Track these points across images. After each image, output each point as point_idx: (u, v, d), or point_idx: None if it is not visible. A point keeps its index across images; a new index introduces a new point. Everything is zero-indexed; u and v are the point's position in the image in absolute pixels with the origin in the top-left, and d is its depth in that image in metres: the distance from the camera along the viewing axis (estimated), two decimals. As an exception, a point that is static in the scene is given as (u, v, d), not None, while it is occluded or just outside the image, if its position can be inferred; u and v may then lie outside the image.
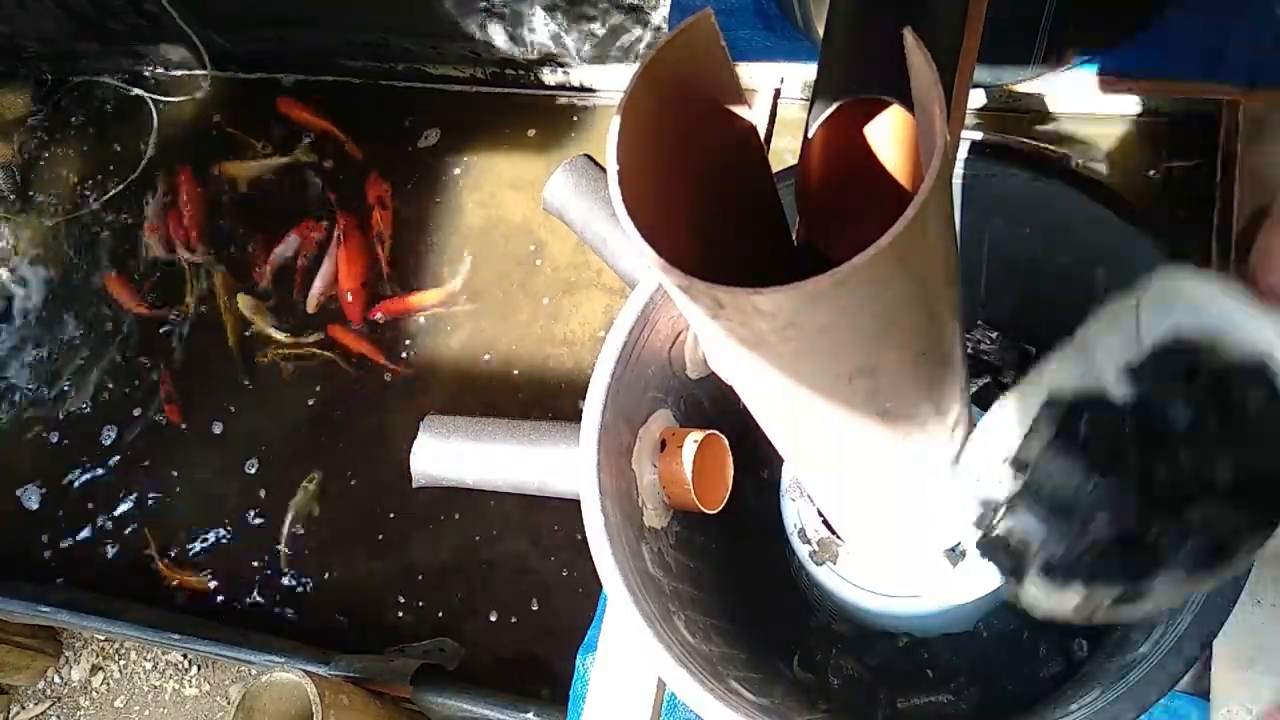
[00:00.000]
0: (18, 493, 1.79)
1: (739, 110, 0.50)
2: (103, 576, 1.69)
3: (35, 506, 1.77)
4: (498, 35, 1.63)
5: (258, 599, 1.61)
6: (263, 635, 1.49)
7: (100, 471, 1.76)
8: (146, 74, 2.01)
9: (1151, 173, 1.31)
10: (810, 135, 0.55)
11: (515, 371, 1.61)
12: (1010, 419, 0.55)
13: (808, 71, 1.25)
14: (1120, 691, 0.70)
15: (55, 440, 1.80)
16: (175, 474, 1.72)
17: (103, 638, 1.79)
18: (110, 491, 1.74)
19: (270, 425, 1.70)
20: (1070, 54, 1.16)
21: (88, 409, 1.80)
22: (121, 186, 1.94)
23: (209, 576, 1.64)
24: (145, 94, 1.99)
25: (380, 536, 1.59)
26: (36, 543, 1.75)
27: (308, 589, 1.60)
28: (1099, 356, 0.51)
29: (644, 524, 0.88)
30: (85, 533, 1.73)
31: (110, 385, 1.81)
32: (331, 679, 1.33)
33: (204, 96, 1.95)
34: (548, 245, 1.66)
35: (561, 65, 1.67)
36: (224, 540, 1.66)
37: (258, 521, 1.66)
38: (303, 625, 1.57)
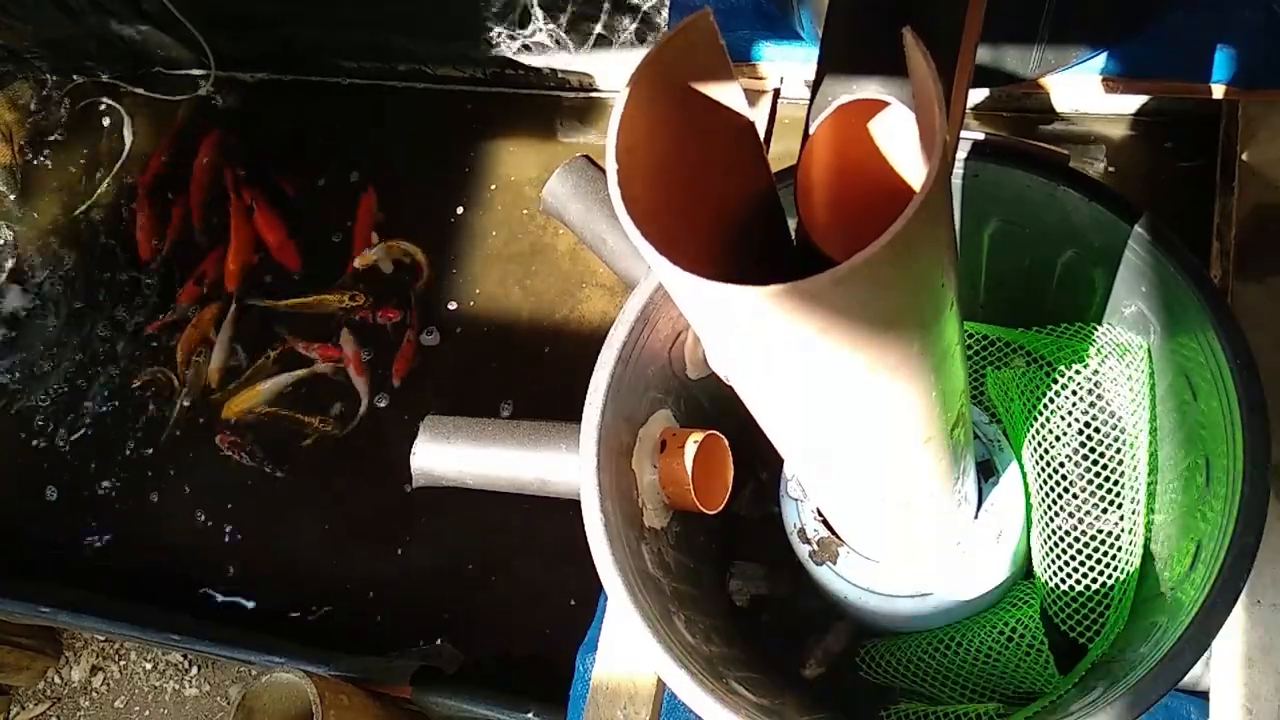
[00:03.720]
0: (19, 493, 1.79)
1: (738, 110, 0.50)
2: (102, 576, 1.69)
3: (35, 507, 1.77)
4: (498, 35, 1.63)
5: (258, 599, 1.62)
6: (263, 635, 1.49)
7: (104, 471, 1.76)
8: (147, 74, 2.01)
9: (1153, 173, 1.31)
10: (810, 135, 0.55)
11: (517, 371, 1.61)
12: None
13: (808, 71, 1.25)
14: (1120, 691, 0.70)
15: (58, 441, 1.80)
16: (176, 473, 1.72)
17: (103, 638, 1.79)
18: (112, 491, 1.74)
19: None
20: (1070, 54, 1.15)
21: (89, 410, 1.80)
22: (120, 187, 1.94)
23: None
24: (147, 93, 1.99)
25: (381, 538, 1.59)
26: (37, 543, 1.75)
27: (308, 590, 1.60)
28: None
29: (644, 524, 0.88)
30: (86, 533, 1.73)
31: (112, 386, 1.81)
32: (331, 679, 1.33)
33: (206, 96, 1.95)
34: (547, 245, 1.66)
35: (561, 65, 1.67)
36: (224, 539, 1.67)
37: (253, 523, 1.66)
38: (303, 625, 1.57)
